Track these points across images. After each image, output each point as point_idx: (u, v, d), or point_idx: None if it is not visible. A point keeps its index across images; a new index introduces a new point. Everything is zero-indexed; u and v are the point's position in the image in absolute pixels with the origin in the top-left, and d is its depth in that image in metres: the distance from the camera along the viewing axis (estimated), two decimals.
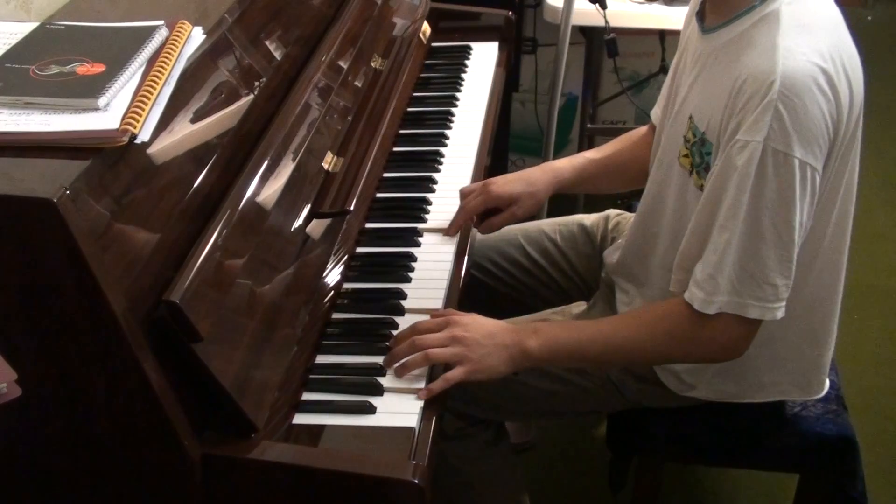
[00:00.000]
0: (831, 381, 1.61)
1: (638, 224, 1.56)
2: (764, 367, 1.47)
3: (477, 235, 1.76)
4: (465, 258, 1.59)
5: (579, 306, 1.65)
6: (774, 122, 1.21)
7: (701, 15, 1.41)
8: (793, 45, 1.24)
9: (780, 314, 1.29)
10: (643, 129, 1.72)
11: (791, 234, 1.25)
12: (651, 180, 1.53)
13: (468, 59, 2.11)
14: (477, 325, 1.36)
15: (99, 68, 1.16)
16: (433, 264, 1.53)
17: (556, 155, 3.02)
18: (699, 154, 1.35)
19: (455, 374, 1.31)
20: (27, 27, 1.28)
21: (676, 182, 1.42)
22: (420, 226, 1.61)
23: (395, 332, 1.37)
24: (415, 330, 1.35)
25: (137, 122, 1.09)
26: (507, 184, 1.64)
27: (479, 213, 1.63)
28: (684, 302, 1.31)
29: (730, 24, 1.33)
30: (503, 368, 1.35)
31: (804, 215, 1.26)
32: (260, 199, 1.28)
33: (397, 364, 1.31)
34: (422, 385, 1.29)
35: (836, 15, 1.34)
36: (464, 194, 1.64)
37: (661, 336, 1.35)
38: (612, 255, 1.67)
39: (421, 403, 1.26)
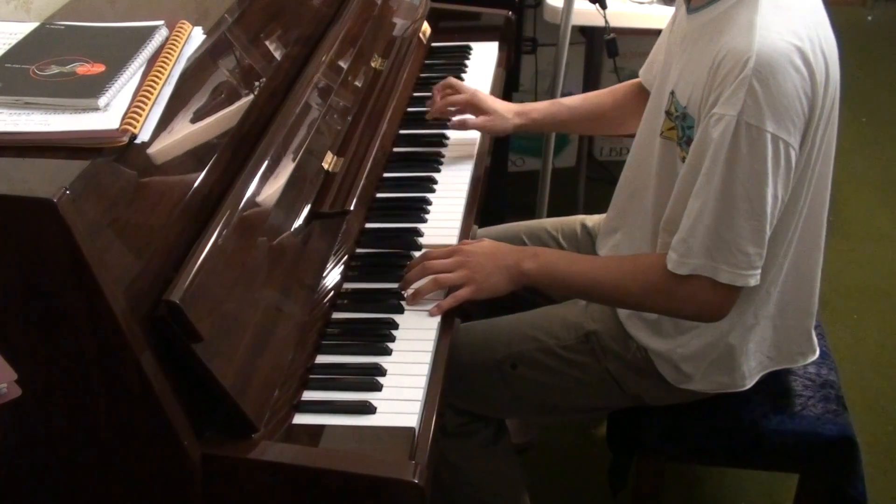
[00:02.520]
0: (829, 377, 1.62)
1: (622, 187, 1.66)
2: (752, 350, 1.52)
3: (477, 233, 1.77)
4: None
5: (579, 302, 1.66)
6: (748, 98, 1.26)
7: None
8: (770, 23, 1.29)
9: (752, 282, 1.35)
10: (633, 81, 1.78)
11: (763, 206, 1.30)
12: (633, 148, 1.62)
13: (468, 59, 2.11)
14: (480, 248, 1.49)
15: (99, 68, 1.16)
16: None
17: (557, 154, 3.03)
18: (682, 128, 1.41)
19: (462, 293, 1.43)
20: (27, 27, 1.28)
21: (659, 153, 1.48)
22: (420, 226, 1.61)
23: (395, 333, 1.38)
24: (425, 257, 1.47)
25: (137, 122, 1.09)
26: (489, 98, 1.81)
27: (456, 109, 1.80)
28: (665, 260, 1.38)
29: (713, 5, 1.38)
30: (504, 286, 1.47)
31: (778, 188, 1.31)
32: (260, 199, 1.28)
33: (410, 291, 1.43)
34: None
35: None
36: (452, 88, 1.80)
37: (642, 286, 1.43)
38: (601, 249, 1.71)
39: (421, 403, 1.26)
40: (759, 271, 1.34)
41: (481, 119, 1.78)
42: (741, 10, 1.33)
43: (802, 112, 1.29)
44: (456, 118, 1.79)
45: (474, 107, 1.78)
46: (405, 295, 1.44)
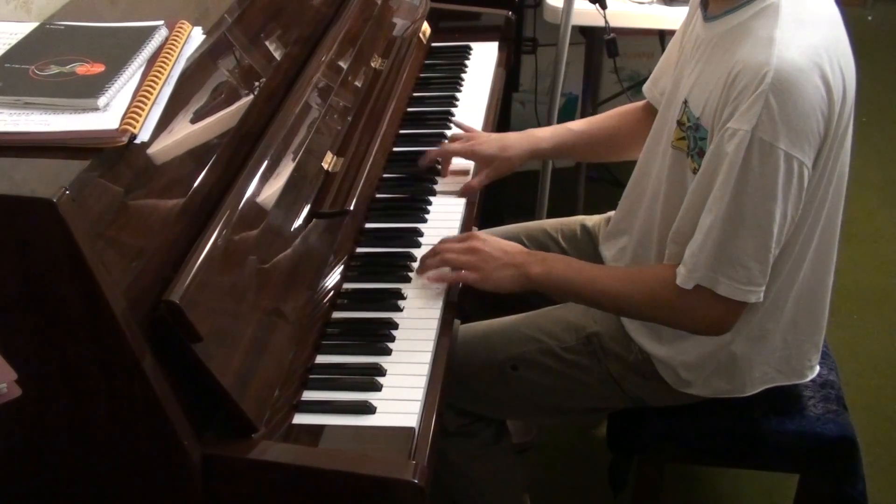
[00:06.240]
0: (829, 377, 1.62)
1: (630, 190, 1.64)
2: (756, 361, 1.51)
3: None
4: None
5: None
6: (764, 113, 1.24)
7: (705, 3, 1.43)
8: (789, 38, 1.26)
9: (752, 298, 1.34)
10: (638, 104, 1.75)
11: (770, 223, 1.29)
12: (641, 154, 1.60)
13: (468, 59, 2.11)
14: (494, 240, 1.50)
15: (99, 68, 1.16)
16: None
17: None
18: (694, 139, 1.39)
19: (466, 276, 1.46)
20: (27, 27, 1.28)
21: (669, 163, 1.46)
22: (420, 226, 1.61)
23: (394, 333, 1.38)
24: (440, 242, 1.51)
25: (137, 122, 1.09)
26: (486, 144, 1.73)
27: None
28: (672, 272, 1.37)
29: (731, 14, 1.36)
30: (508, 285, 1.48)
31: (788, 206, 1.29)
32: (260, 199, 1.28)
33: (427, 275, 1.47)
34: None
35: (834, 13, 1.36)
36: (451, 138, 1.76)
37: (645, 297, 1.42)
38: (606, 250, 1.70)
39: (421, 403, 1.26)
40: (761, 288, 1.33)
41: (482, 175, 1.71)
42: (761, 21, 1.30)
43: (818, 131, 1.27)
44: (461, 189, 1.70)
45: (473, 160, 1.73)
46: (416, 270, 1.49)
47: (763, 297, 1.38)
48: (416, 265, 1.51)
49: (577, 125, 1.80)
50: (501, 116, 2.13)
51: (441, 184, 1.72)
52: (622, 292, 1.44)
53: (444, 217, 1.64)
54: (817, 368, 1.58)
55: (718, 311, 1.36)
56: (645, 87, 1.70)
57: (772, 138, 1.24)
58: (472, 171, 1.75)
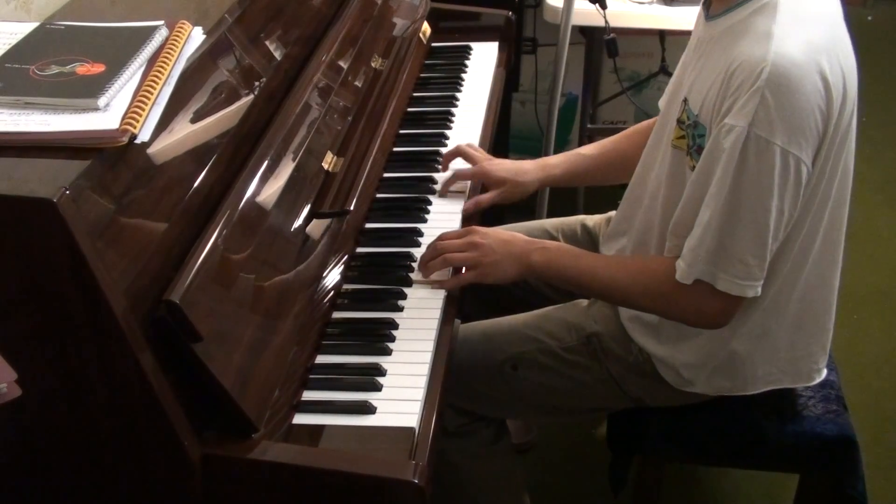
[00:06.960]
0: (829, 378, 1.62)
1: (630, 192, 1.65)
2: (759, 360, 1.50)
3: None
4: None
5: (580, 303, 1.66)
6: (760, 109, 1.24)
7: (707, 2, 1.44)
8: (787, 34, 1.26)
9: (750, 293, 1.34)
10: (648, 122, 1.74)
11: (767, 219, 1.29)
12: (643, 154, 1.60)
13: (468, 59, 2.11)
14: (494, 233, 1.52)
15: (99, 68, 1.16)
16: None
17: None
18: (692, 137, 1.39)
19: (467, 276, 1.48)
20: (27, 27, 1.28)
21: (669, 162, 1.46)
22: (420, 226, 1.61)
23: (394, 333, 1.38)
24: (439, 238, 1.51)
25: (137, 122, 1.09)
26: (499, 167, 1.73)
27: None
28: (671, 264, 1.38)
29: (731, 12, 1.36)
30: (511, 274, 1.50)
31: (785, 202, 1.29)
32: (260, 199, 1.28)
33: (429, 273, 1.48)
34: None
35: (835, 12, 1.36)
36: (462, 156, 1.74)
37: (644, 288, 1.44)
38: (606, 250, 1.70)
39: (421, 403, 1.26)
40: (758, 283, 1.34)
41: (494, 193, 1.71)
42: (759, 18, 1.30)
43: (816, 127, 1.27)
44: (469, 202, 1.68)
45: (485, 179, 1.71)
46: (418, 269, 1.49)
47: (763, 295, 1.38)
48: (416, 265, 1.51)
49: (589, 150, 1.79)
50: (501, 116, 2.13)
51: (441, 184, 1.72)
52: (621, 283, 1.45)
53: (444, 217, 1.64)
54: (824, 372, 1.57)
55: (717, 305, 1.37)
56: (660, 102, 1.68)
57: (768, 134, 1.24)
58: (468, 188, 1.73)
